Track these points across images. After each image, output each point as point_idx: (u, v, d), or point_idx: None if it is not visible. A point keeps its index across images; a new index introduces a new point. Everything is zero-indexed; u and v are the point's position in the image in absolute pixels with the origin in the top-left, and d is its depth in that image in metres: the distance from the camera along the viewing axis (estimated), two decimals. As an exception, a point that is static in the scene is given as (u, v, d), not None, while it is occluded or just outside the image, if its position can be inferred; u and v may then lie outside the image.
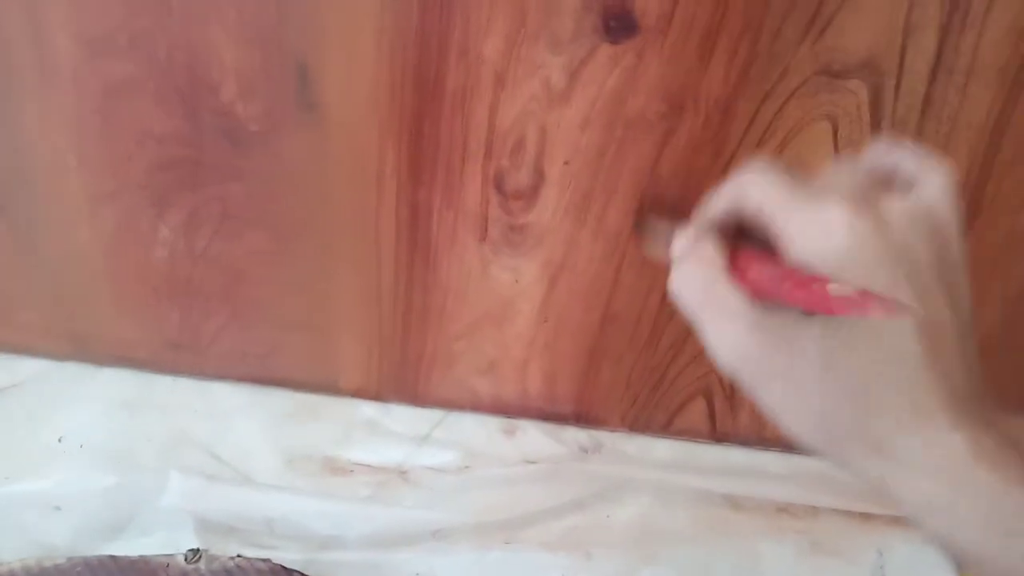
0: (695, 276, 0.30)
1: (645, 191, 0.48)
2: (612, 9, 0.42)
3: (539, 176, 0.49)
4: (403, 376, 0.61)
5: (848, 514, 0.60)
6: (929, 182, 0.29)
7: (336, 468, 0.58)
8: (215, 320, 0.57)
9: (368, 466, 0.58)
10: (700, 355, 0.58)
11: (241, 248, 0.53)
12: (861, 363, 0.26)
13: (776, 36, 0.42)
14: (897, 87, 0.44)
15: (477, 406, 0.62)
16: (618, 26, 0.43)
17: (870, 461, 0.27)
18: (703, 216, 0.33)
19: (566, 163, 0.48)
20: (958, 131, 0.45)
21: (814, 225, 0.27)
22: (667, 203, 0.48)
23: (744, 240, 0.31)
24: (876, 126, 0.46)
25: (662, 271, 0.53)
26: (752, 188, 0.30)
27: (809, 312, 0.27)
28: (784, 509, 0.60)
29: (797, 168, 0.30)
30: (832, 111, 0.45)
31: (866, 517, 0.60)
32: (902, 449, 0.26)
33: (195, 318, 0.57)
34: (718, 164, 0.47)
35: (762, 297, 0.29)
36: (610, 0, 0.42)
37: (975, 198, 0.48)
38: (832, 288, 0.25)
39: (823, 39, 0.43)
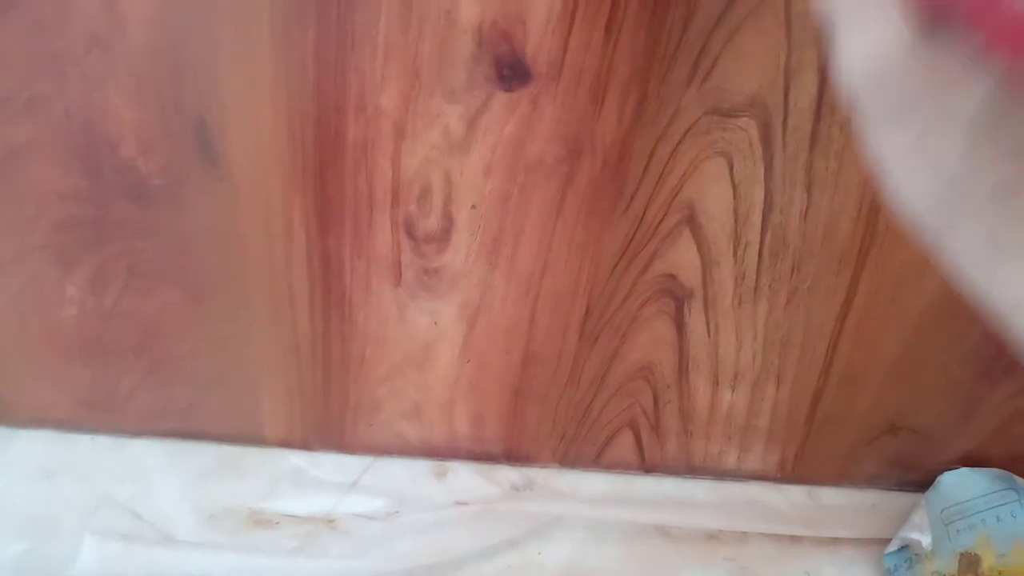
0: None
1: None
2: (504, 58, 0.43)
3: (448, 221, 0.50)
4: (328, 424, 0.60)
5: (777, 538, 0.61)
6: None
7: (261, 521, 0.57)
8: (130, 377, 0.56)
9: (294, 517, 0.58)
10: (622, 389, 0.58)
11: (153, 304, 0.53)
12: None
13: (664, 79, 0.44)
14: (785, 124, 0.46)
15: (406, 450, 0.62)
16: (511, 74, 0.44)
17: (982, 239, 0.22)
18: None
19: (473, 207, 0.49)
20: (846, 166, 0.47)
21: None
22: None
23: None
24: (769, 161, 0.47)
25: (576, 310, 0.54)
26: None
27: (985, 53, 0.20)
28: (714, 536, 0.61)
29: None
30: (726, 148, 0.47)
31: (794, 540, 0.61)
32: None
33: (109, 376, 0.56)
34: (620, 203, 0.48)
35: (931, 16, 0.22)
36: (501, 49, 0.43)
37: (868, 231, 0.49)
38: None
39: (709, 80, 0.44)
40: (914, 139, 0.22)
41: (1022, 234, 0.21)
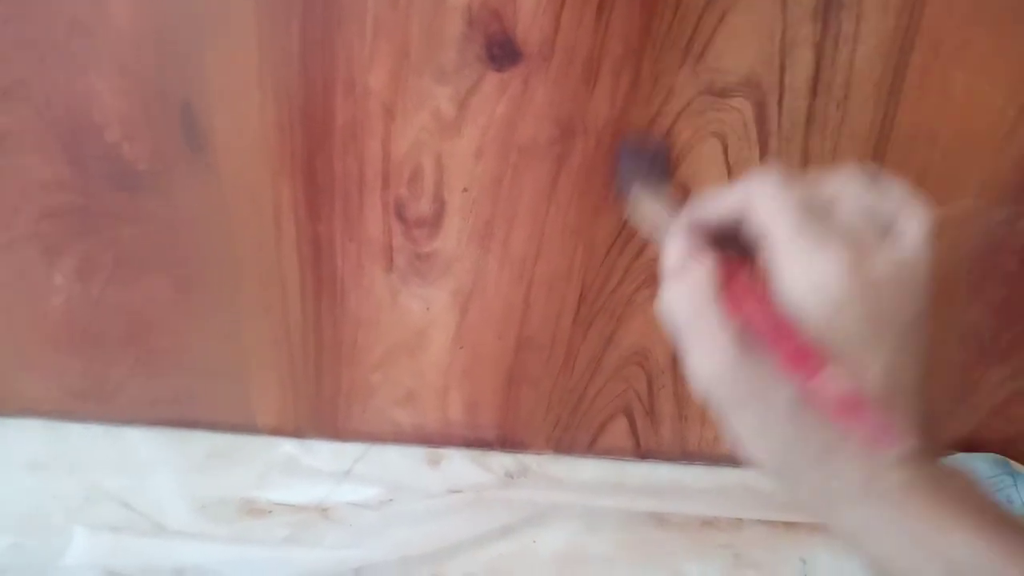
0: (687, 298, 0.29)
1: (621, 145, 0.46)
2: (494, 37, 0.42)
3: (440, 204, 0.49)
4: (321, 411, 0.60)
5: (771, 524, 0.61)
6: (911, 228, 0.29)
7: (254, 510, 0.56)
8: (120, 366, 0.56)
9: (288, 505, 0.57)
10: (616, 374, 0.58)
11: (140, 293, 0.52)
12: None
13: (657, 59, 0.43)
14: (780, 104, 0.45)
15: (400, 437, 0.62)
16: (502, 54, 0.43)
17: (818, 491, 0.29)
18: (698, 214, 0.31)
19: (465, 190, 0.48)
20: (843, 144, 0.46)
21: (809, 273, 0.27)
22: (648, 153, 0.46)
23: (728, 243, 0.30)
24: (764, 142, 0.46)
25: (570, 295, 0.53)
26: (760, 204, 0.29)
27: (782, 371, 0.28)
28: (709, 523, 0.61)
29: (801, 177, 0.30)
30: (720, 129, 0.46)
31: (789, 526, 0.61)
32: (849, 484, 0.28)
33: (99, 366, 0.55)
34: (614, 186, 0.48)
35: (748, 329, 0.28)
36: (491, 28, 0.42)
37: (864, 208, 0.49)
38: (824, 381, 0.26)
39: (703, 60, 0.43)
40: (756, 420, 0.28)
41: (840, 486, 0.28)
